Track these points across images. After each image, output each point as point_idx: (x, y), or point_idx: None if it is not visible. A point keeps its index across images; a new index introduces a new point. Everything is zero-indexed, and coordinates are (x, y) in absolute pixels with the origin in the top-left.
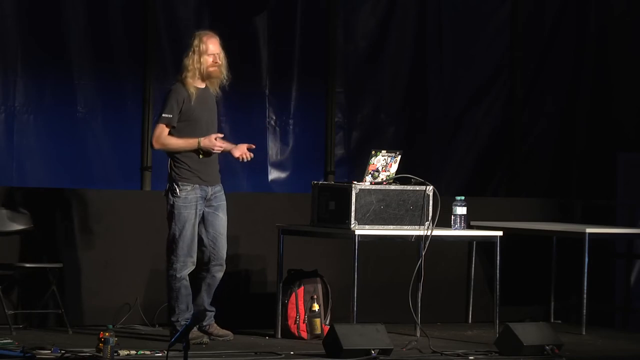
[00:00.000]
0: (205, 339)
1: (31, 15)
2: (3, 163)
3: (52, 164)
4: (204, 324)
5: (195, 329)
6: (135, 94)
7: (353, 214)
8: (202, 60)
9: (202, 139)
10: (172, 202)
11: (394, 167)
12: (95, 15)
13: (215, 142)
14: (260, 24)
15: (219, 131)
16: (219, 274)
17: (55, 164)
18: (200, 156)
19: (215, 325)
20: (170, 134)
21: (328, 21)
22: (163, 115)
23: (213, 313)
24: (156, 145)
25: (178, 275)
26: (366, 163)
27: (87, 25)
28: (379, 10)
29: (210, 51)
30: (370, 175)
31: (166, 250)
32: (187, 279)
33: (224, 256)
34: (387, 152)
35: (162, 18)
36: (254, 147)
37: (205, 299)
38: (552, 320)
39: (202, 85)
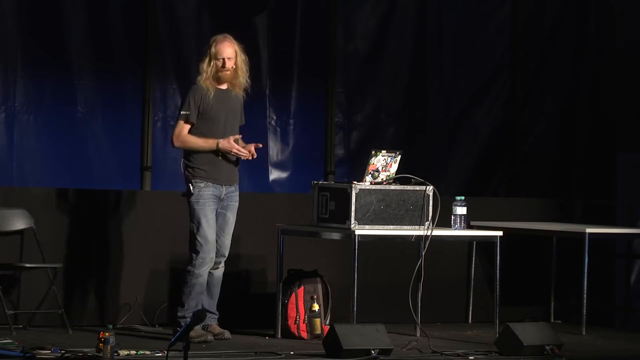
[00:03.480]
0: (210, 337)
1: (31, 15)
2: (3, 163)
3: (52, 164)
4: (205, 324)
5: (198, 327)
6: (135, 94)
7: (353, 214)
8: (212, 64)
9: (221, 140)
10: (188, 201)
11: (394, 167)
12: (95, 15)
13: (234, 145)
14: (260, 24)
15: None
16: (217, 272)
17: (55, 164)
18: (220, 157)
19: (214, 325)
20: (189, 132)
21: (328, 21)
22: (182, 112)
23: (216, 316)
24: (176, 143)
25: (196, 272)
26: (366, 163)
27: (87, 25)
28: (379, 10)
29: (220, 55)
30: (370, 175)
31: (188, 247)
32: (204, 277)
33: (225, 255)
34: (387, 152)
35: (162, 18)
36: (260, 146)
37: (205, 298)
38: (552, 320)
39: (223, 87)
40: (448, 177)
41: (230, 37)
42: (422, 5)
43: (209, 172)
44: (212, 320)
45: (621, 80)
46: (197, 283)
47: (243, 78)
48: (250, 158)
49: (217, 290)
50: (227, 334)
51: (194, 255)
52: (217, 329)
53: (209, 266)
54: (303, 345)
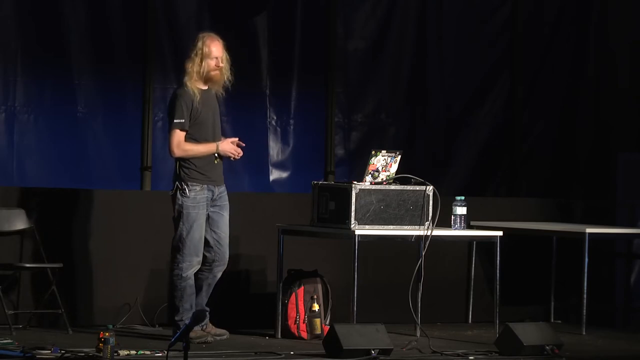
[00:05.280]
0: (210, 338)
1: (31, 15)
2: (3, 163)
3: (52, 164)
4: (201, 323)
5: (198, 328)
6: (135, 94)
7: (353, 214)
8: (203, 64)
9: (219, 143)
10: (180, 202)
11: (394, 167)
12: (95, 15)
13: (233, 147)
14: (260, 24)
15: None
16: (219, 273)
17: (55, 164)
18: (216, 161)
19: (210, 325)
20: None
21: (328, 21)
22: (176, 121)
23: (208, 310)
24: (178, 153)
25: (184, 275)
26: (366, 163)
27: (87, 25)
28: (379, 10)
29: (213, 55)
30: (370, 175)
31: (172, 249)
32: (193, 278)
33: (228, 257)
34: (387, 152)
35: (162, 18)
36: (236, 139)
37: (203, 297)
38: (552, 320)
39: (205, 87)
40: (448, 177)
41: (217, 36)
42: (422, 5)
43: (206, 175)
44: (206, 319)
45: (621, 80)
46: (187, 285)
47: (226, 77)
48: (237, 156)
49: (212, 290)
50: (226, 335)
51: (180, 257)
52: (215, 329)
53: (196, 269)
54: (303, 345)
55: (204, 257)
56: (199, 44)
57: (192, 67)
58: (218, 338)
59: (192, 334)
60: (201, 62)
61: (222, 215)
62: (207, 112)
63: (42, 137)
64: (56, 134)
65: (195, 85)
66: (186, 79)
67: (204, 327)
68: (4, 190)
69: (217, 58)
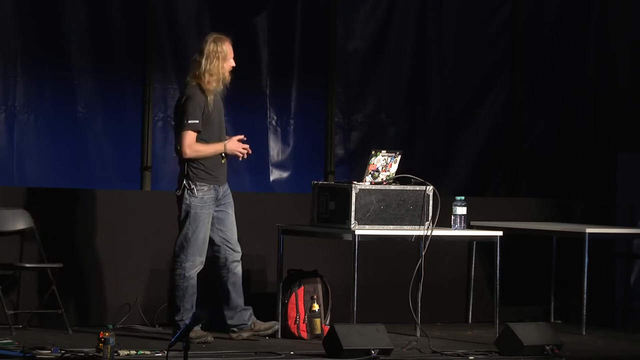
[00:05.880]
0: (210, 338)
1: (31, 15)
2: (3, 163)
3: (52, 164)
4: (248, 323)
5: (198, 327)
6: (135, 94)
7: (353, 214)
8: (225, 65)
9: (227, 142)
10: (188, 202)
11: (394, 167)
12: (95, 15)
13: (239, 145)
14: (260, 24)
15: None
16: (238, 269)
17: (55, 164)
18: (223, 161)
19: (258, 321)
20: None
21: (328, 21)
22: (189, 122)
23: (251, 311)
24: (190, 154)
25: (187, 275)
26: (366, 163)
27: (87, 25)
28: (379, 10)
29: (230, 55)
30: (370, 175)
31: (176, 249)
32: (195, 278)
33: (240, 251)
34: (387, 152)
35: (162, 18)
36: (244, 137)
37: (236, 298)
38: (552, 320)
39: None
40: (448, 177)
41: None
42: (422, 5)
43: (213, 175)
44: (252, 318)
45: (621, 80)
46: (189, 285)
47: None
48: (245, 156)
49: (240, 287)
50: (276, 325)
51: (183, 257)
52: (263, 324)
53: (199, 269)
54: (303, 345)
55: (217, 258)
56: (218, 47)
57: (211, 67)
58: (270, 331)
59: (192, 334)
60: (223, 64)
61: (227, 214)
62: (215, 112)
63: (42, 137)
64: (56, 134)
65: (212, 87)
66: (207, 80)
67: (252, 325)
68: (4, 190)
69: (233, 59)
